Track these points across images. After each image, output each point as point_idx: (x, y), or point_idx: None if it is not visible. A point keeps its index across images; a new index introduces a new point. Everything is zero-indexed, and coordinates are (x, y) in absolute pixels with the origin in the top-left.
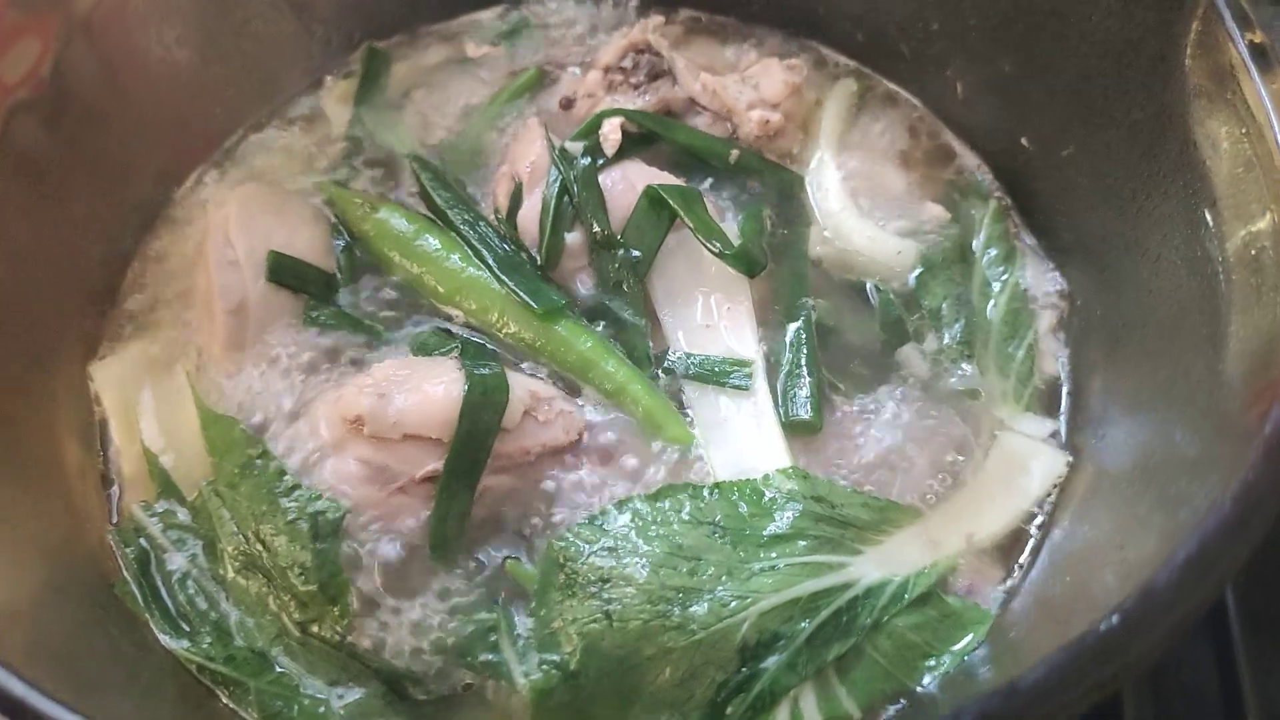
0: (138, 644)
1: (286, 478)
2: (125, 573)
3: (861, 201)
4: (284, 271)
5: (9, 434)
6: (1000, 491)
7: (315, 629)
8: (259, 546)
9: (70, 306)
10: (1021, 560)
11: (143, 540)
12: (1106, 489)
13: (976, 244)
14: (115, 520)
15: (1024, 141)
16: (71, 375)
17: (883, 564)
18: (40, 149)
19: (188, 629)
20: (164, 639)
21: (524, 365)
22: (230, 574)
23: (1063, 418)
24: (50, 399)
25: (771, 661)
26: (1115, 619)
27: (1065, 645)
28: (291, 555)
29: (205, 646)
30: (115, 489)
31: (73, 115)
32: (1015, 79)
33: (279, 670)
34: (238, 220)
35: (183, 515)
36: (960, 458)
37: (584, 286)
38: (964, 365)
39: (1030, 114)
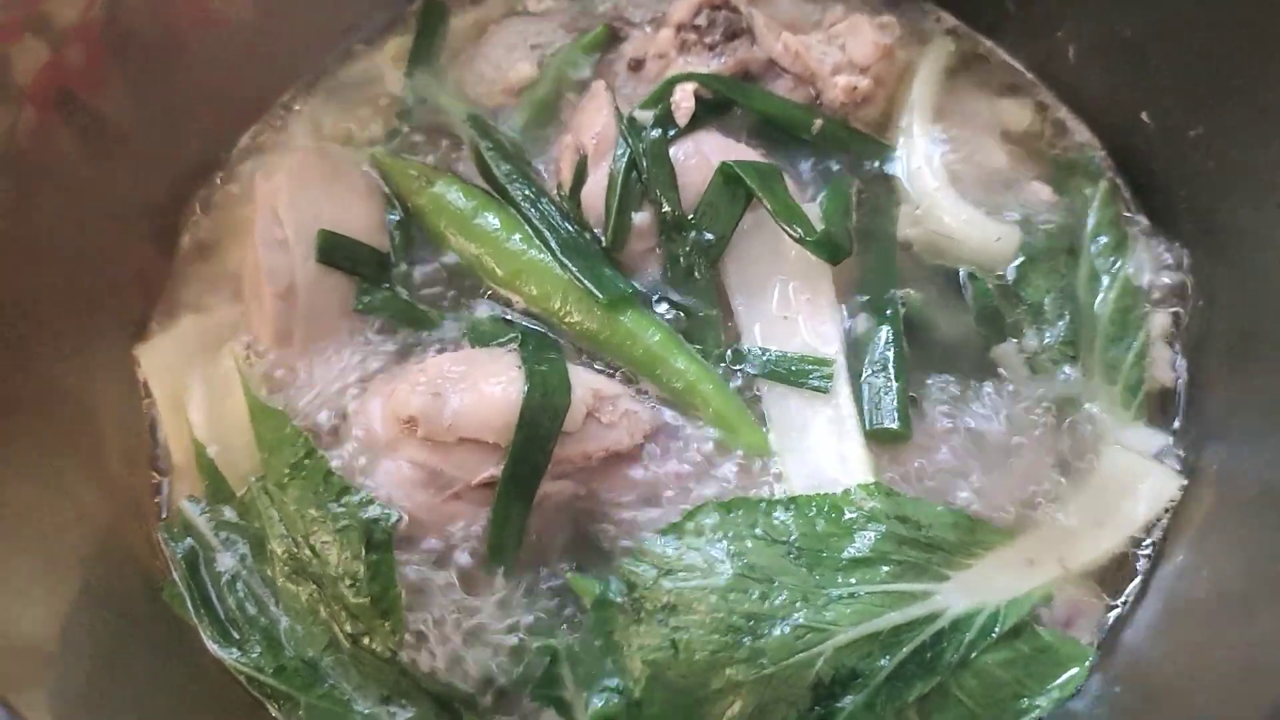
0: (184, 654)
1: (336, 480)
2: (174, 574)
3: (958, 179)
4: (335, 252)
5: (51, 430)
6: (1104, 513)
7: (366, 641)
8: (308, 552)
9: (116, 283)
10: (1128, 593)
11: (191, 539)
12: (1232, 519)
13: (1085, 229)
14: (164, 515)
15: (1144, 117)
16: (116, 360)
17: (971, 592)
18: (91, 106)
19: (237, 636)
20: (213, 647)
21: (583, 356)
22: (280, 579)
23: (1177, 432)
24: (93, 386)
25: (848, 701)
26: None
27: None
28: (343, 565)
29: (255, 656)
30: (164, 481)
31: (130, 66)
32: (1138, 44)
33: (330, 684)
34: (287, 195)
35: (229, 513)
36: (1059, 473)
37: (652, 270)
38: (1066, 368)
39: (1154, 86)
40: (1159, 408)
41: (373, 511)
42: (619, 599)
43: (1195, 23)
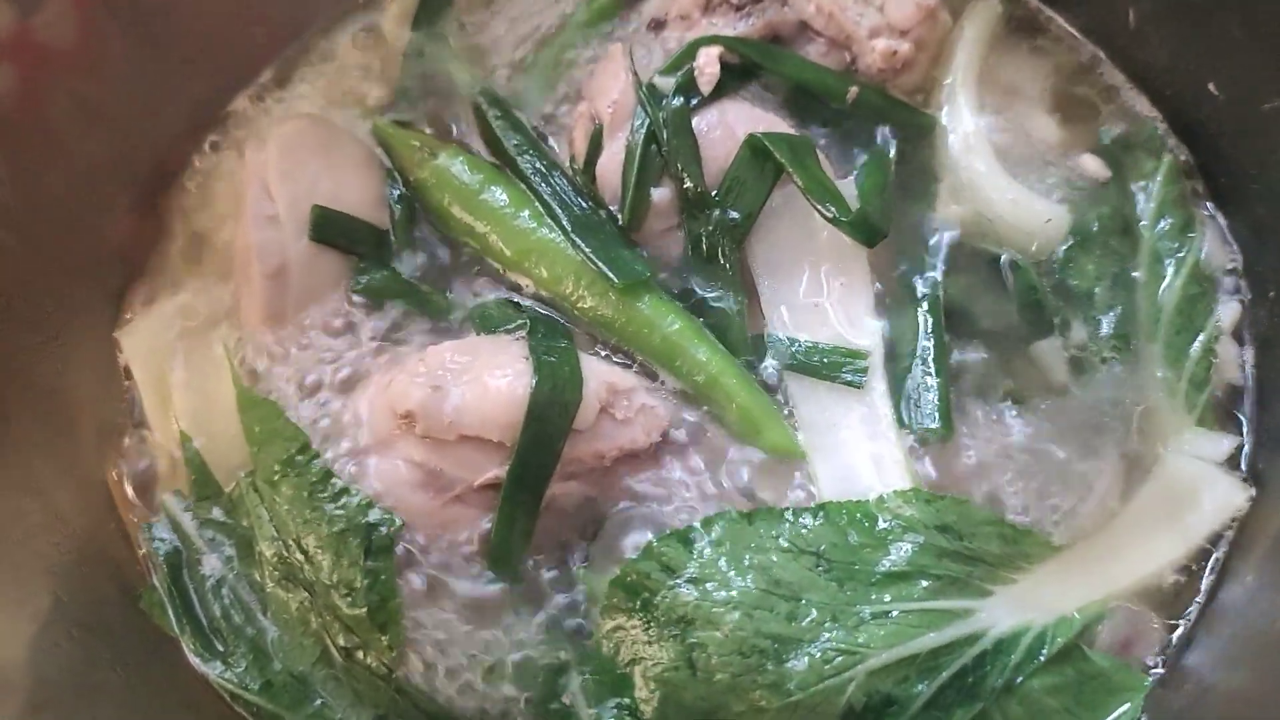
0: (164, 669)
1: (334, 481)
2: (155, 578)
3: (1003, 153)
4: (330, 229)
5: (22, 423)
6: (1162, 525)
7: (360, 656)
8: (300, 556)
9: (96, 260)
10: (1189, 615)
11: (174, 537)
12: None
13: (1143, 211)
14: (145, 514)
15: (1212, 88)
16: (95, 344)
17: (1017, 609)
18: (72, 65)
19: (221, 649)
20: (195, 661)
21: (597, 344)
22: (269, 584)
23: (1246, 437)
24: (69, 373)
25: None
26: None
27: None
28: (339, 573)
29: (240, 671)
30: (145, 477)
31: (115, 22)
32: (1204, 6)
33: (320, 702)
34: (279, 167)
35: (217, 511)
36: (1114, 480)
37: (672, 252)
38: (1119, 364)
39: (1223, 53)
40: (1225, 410)
41: (374, 515)
42: (629, 603)
43: None
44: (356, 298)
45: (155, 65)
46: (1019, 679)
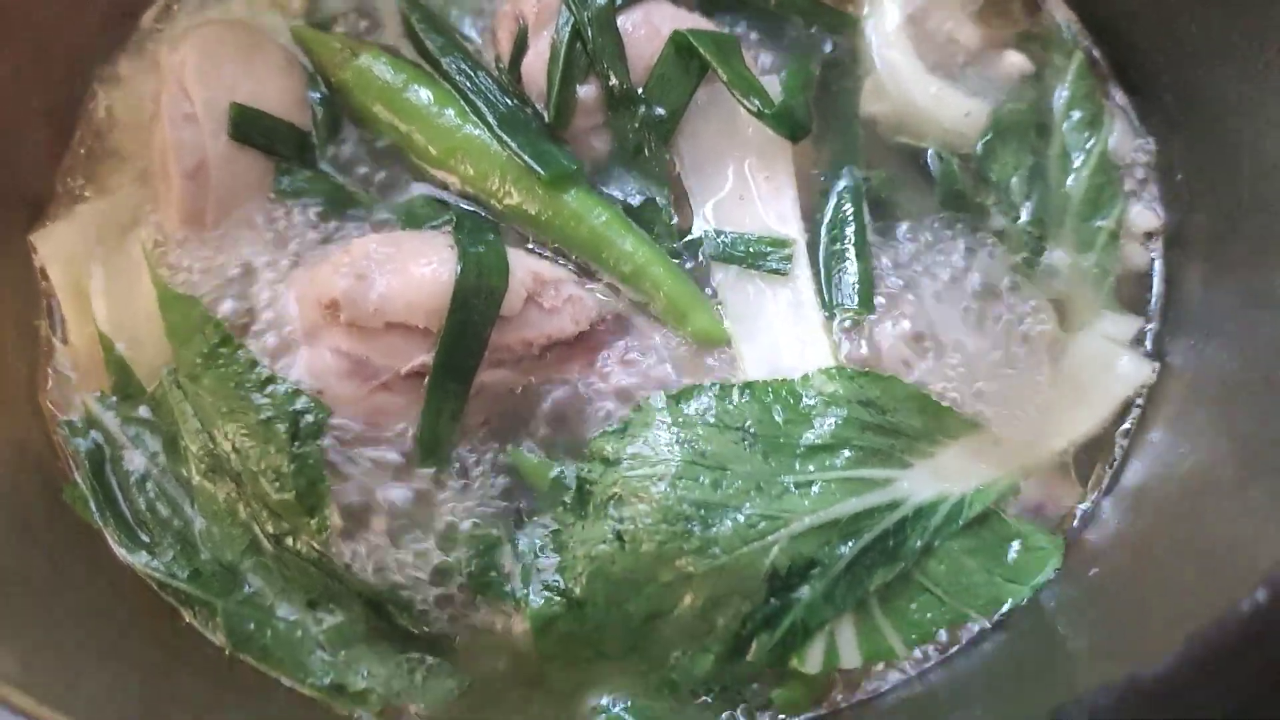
0: (89, 560)
1: (259, 370)
2: (76, 474)
3: (925, 51)
4: (250, 127)
5: None
6: (1073, 399)
7: (290, 542)
8: (227, 447)
9: (9, 163)
10: (1104, 480)
11: (97, 435)
12: (1211, 407)
13: (1058, 105)
14: (66, 413)
15: None
16: (9, 247)
17: (936, 479)
18: None
19: (147, 540)
20: (120, 552)
21: (528, 243)
22: (196, 477)
23: (1153, 317)
24: None
25: (805, 591)
26: (1262, 596)
27: (1194, 634)
28: (265, 459)
29: (167, 561)
30: (65, 378)
31: None
32: None
33: (250, 590)
34: (195, 68)
35: (143, 410)
36: (1028, 358)
37: (598, 149)
38: (1034, 251)
39: None
40: (1133, 292)
41: (301, 403)
42: (565, 495)
43: None
44: (279, 197)
45: None
46: (938, 542)
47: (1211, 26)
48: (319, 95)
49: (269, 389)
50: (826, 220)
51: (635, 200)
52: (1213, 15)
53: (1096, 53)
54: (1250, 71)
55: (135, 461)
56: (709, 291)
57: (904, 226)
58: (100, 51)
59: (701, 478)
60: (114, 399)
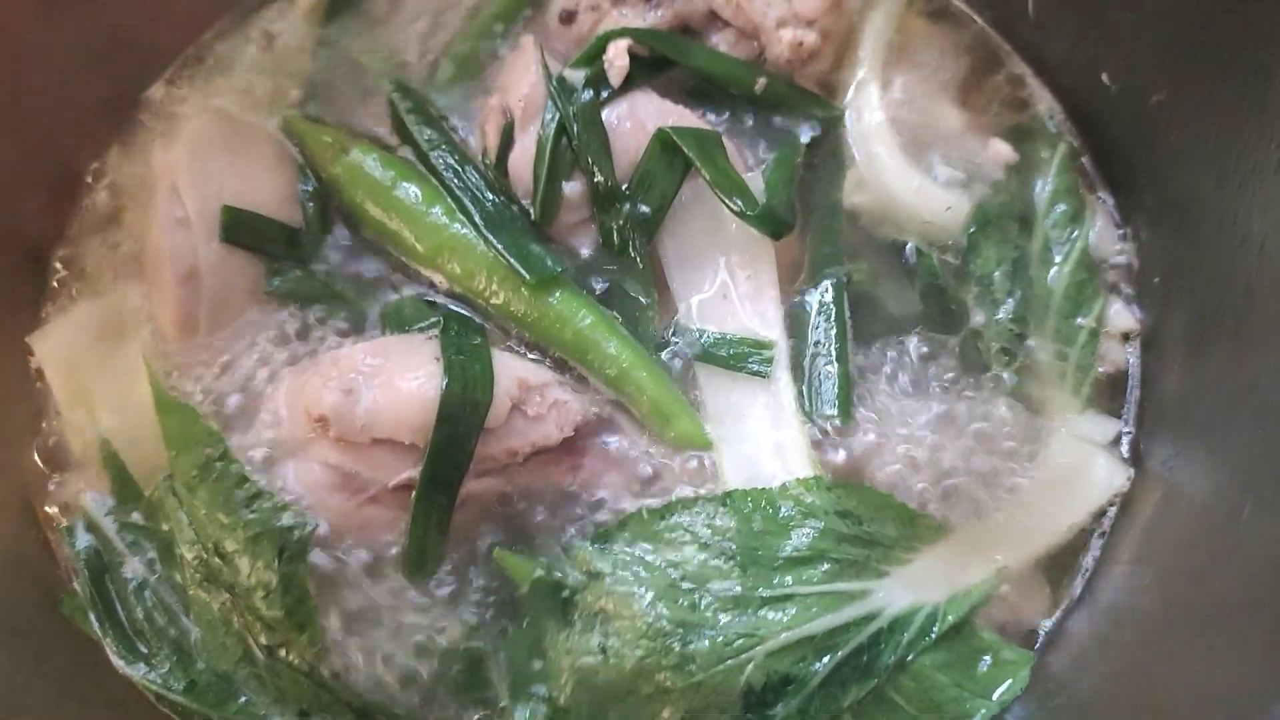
0: (87, 673)
1: (249, 485)
2: (76, 583)
3: (909, 141)
4: (241, 230)
5: None
6: (1049, 503)
7: (284, 654)
8: (219, 560)
9: (5, 261)
10: (1072, 593)
11: (94, 539)
12: (1180, 520)
13: (1040, 198)
14: (62, 518)
15: (1105, 79)
16: (5, 347)
17: (910, 588)
18: None
19: (145, 650)
20: (119, 664)
21: (514, 341)
22: (191, 586)
23: (1128, 421)
24: None
25: (780, 709)
26: None
27: None
28: (255, 575)
29: (164, 672)
30: (62, 480)
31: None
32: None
33: (244, 700)
34: (188, 168)
35: (136, 515)
36: (1004, 460)
37: (584, 245)
38: (1015, 349)
39: (1116, 45)
40: (1110, 394)
41: (287, 519)
42: (550, 602)
43: None
44: (270, 297)
45: (66, 51)
46: (911, 656)
47: (1190, 132)
48: (310, 189)
49: (257, 504)
50: (808, 322)
51: (620, 297)
52: (1192, 122)
53: (1079, 145)
54: (1228, 184)
55: (132, 568)
56: (690, 390)
57: (883, 325)
58: (92, 149)
59: (681, 599)
60: (112, 502)
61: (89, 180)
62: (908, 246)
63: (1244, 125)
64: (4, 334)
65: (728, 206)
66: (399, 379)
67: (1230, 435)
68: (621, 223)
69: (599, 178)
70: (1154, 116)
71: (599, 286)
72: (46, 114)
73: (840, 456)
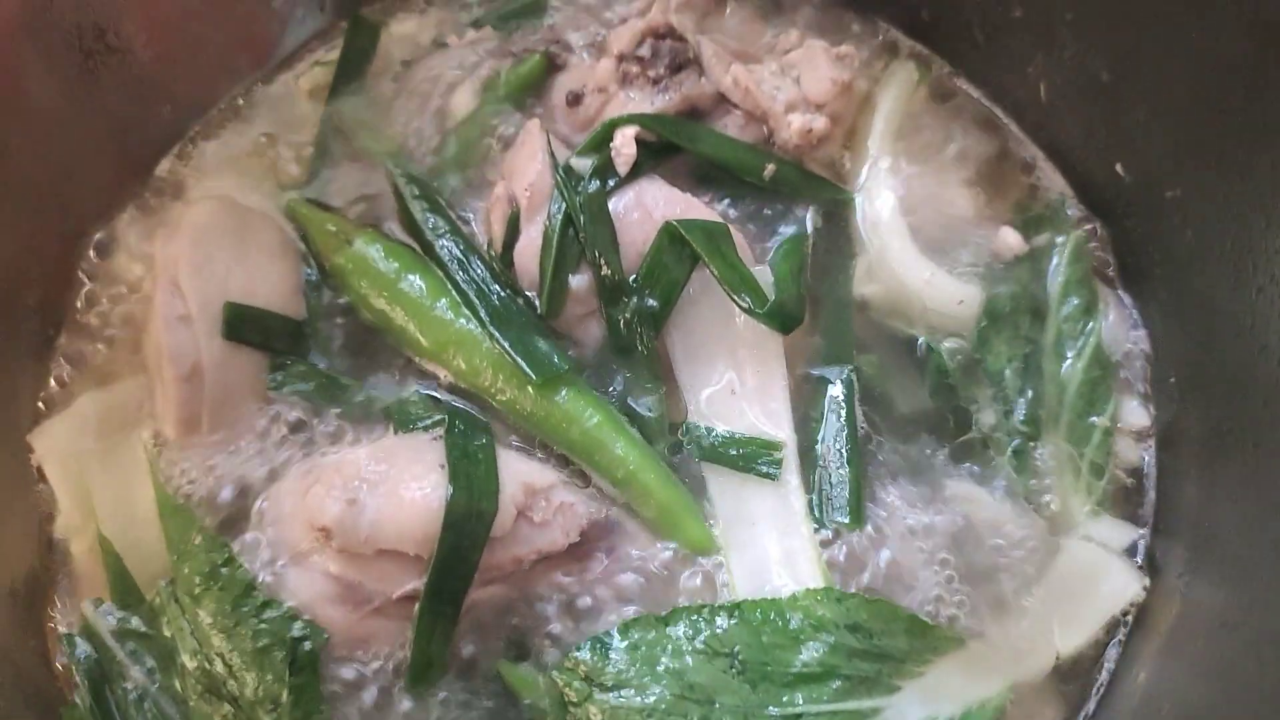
0: None
1: (256, 593)
2: (76, 695)
3: (919, 227)
4: (243, 326)
5: None
6: (1062, 611)
7: None
8: (223, 671)
9: (7, 355)
10: (1089, 708)
11: (93, 649)
12: (1203, 631)
13: (1053, 288)
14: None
15: (1119, 169)
16: (6, 446)
17: (924, 701)
18: None
19: None
20: None
21: (519, 438)
22: (192, 697)
23: (1143, 526)
24: None
25: None
26: None
27: None
28: (264, 688)
29: None
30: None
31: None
32: (1113, 87)
33: None
34: (190, 261)
35: (136, 621)
36: (1017, 566)
37: (591, 338)
38: (1027, 452)
39: (1129, 136)
40: (1125, 498)
41: (298, 629)
42: (557, 700)
43: (1174, 68)
44: (273, 394)
45: (65, 141)
46: None
47: (1206, 231)
48: (313, 277)
49: (266, 614)
50: (818, 420)
51: (627, 392)
52: (1208, 221)
53: (1091, 232)
54: (1245, 288)
55: (133, 678)
56: (700, 492)
57: (893, 423)
58: (91, 240)
59: (690, 713)
60: (112, 607)
61: (91, 268)
62: (919, 341)
63: (1263, 230)
64: (4, 429)
65: (736, 304)
66: (403, 488)
67: (1251, 557)
68: (629, 316)
69: (606, 270)
70: (1169, 212)
71: (607, 381)
72: (39, 212)
73: (849, 559)
